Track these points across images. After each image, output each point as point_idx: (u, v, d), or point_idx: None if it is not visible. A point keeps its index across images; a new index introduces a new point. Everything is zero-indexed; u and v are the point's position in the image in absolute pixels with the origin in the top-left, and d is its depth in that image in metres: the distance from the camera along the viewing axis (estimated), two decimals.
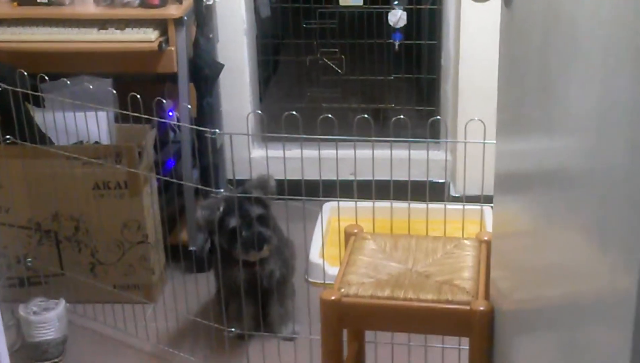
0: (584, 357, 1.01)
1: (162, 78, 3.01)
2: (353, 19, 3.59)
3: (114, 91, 2.63)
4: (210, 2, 2.98)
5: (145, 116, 2.32)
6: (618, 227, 0.86)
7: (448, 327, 1.81)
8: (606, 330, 0.90)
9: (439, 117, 3.12)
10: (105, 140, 2.71)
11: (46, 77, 2.45)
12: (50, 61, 2.80)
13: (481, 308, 1.73)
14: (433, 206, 2.23)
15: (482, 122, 2.06)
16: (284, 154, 2.19)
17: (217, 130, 2.38)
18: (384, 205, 2.22)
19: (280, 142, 2.24)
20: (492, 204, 1.82)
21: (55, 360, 2.50)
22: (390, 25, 3.43)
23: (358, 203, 2.21)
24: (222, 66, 3.03)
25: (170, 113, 3.04)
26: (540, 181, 1.27)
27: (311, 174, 2.29)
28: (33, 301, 2.51)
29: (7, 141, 2.63)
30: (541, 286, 1.27)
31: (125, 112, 2.40)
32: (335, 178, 2.21)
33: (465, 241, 1.99)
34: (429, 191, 2.21)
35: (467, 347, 1.81)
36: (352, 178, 2.18)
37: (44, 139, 2.66)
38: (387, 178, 2.17)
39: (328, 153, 2.26)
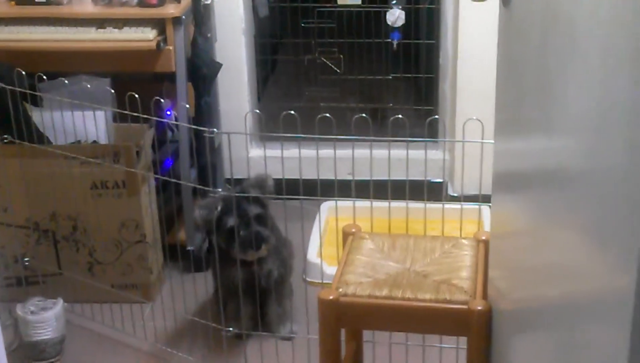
0: (582, 357, 1.01)
1: (160, 77, 3.01)
2: (351, 18, 3.59)
3: (112, 91, 2.63)
4: (209, 2, 2.98)
5: (143, 116, 2.32)
6: (616, 227, 0.86)
7: (446, 326, 1.81)
8: (604, 329, 0.90)
9: (437, 116, 3.12)
10: (103, 139, 2.71)
11: (44, 77, 2.45)
12: (48, 60, 2.79)
13: (479, 308, 1.73)
14: (431, 205, 2.23)
15: (480, 121, 2.06)
16: (282, 153, 2.19)
17: (215, 129, 2.38)
18: (382, 205, 2.22)
19: (278, 141, 2.23)
20: (490, 204, 1.82)
21: (53, 359, 2.50)
22: (388, 24, 3.43)
23: (356, 202, 2.21)
24: (220, 65, 3.03)
25: (169, 112, 3.03)
26: (539, 180, 1.27)
27: (309, 174, 2.29)
28: (31, 301, 2.51)
29: (5, 141, 2.63)
30: (539, 286, 1.27)
31: (123, 111, 2.39)
32: (333, 178, 2.21)
33: (463, 241, 1.99)
34: (427, 190, 2.21)
35: (465, 347, 1.81)
36: (350, 177, 2.18)
37: (41, 138, 2.66)
38: (385, 177, 2.17)
39: (326, 152, 2.26)
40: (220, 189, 2.57)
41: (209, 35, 3.01)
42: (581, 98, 1.01)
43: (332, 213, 2.68)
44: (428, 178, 2.22)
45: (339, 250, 2.05)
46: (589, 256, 0.97)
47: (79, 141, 2.67)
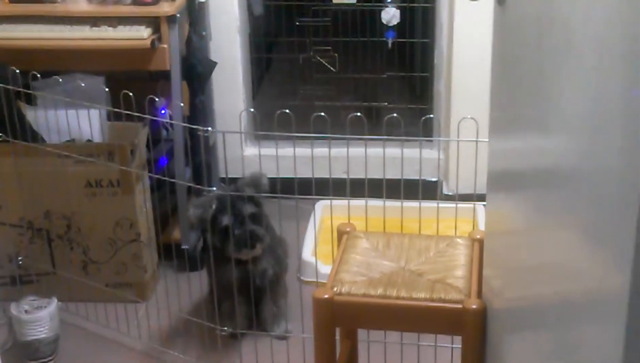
0: (576, 356, 1.02)
1: (155, 76, 3.01)
2: (346, 16, 3.59)
3: (107, 89, 2.63)
4: (203, 0, 2.97)
5: (138, 114, 2.31)
6: (611, 226, 0.86)
7: (441, 325, 1.82)
8: (599, 328, 0.90)
9: (431, 115, 3.12)
10: (97, 138, 2.70)
11: (38, 75, 2.44)
12: (42, 58, 2.79)
13: (474, 307, 1.73)
14: (426, 204, 2.23)
15: (474, 120, 2.06)
16: (277, 152, 2.19)
17: (209, 128, 2.38)
18: (377, 203, 2.22)
19: (273, 140, 2.23)
20: (484, 203, 1.82)
21: (48, 358, 2.49)
22: (383, 23, 3.43)
23: (351, 201, 2.21)
24: (215, 63, 3.02)
25: (163, 111, 3.03)
26: (534, 180, 1.27)
27: (304, 173, 2.29)
28: (25, 300, 2.51)
29: None
30: (534, 285, 1.27)
31: (117, 110, 2.39)
32: (328, 176, 2.20)
33: (458, 240, 1.99)
34: (422, 189, 2.21)
35: (460, 346, 1.81)
36: (345, 176, 2.18)
37: (36, 137, 2.65)
38: (380, 176, 2.17)
39: (321, 151, 2.26)
40: (215, 188, 2.56)
41: (203, 33, 3.00)
42: (576, 98, 1.01)
43: (327, 212, 2.67)
44: (423, 177, 2.22)
45: (334, 248, 2.05)
46: (584, 255, 0.98)
47: (73, 140, 2.66)
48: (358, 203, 2.22)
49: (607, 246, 0.88)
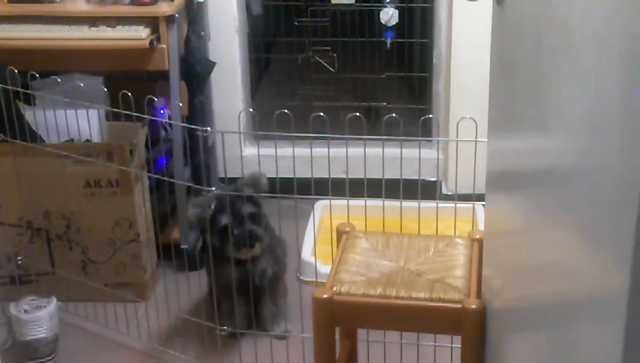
0: (575, 355, 1.02)
1: (154, 76, 3.01)
2: (345, 17, 3.59)
3: (105, 89, 2.63)
4: (202, 0, 2.97)
5: (137, 114, 2.31)
6: (610, 226, 0.86)
7: (440, 325, 1.82)
8: (598, 328, 0.90)
9: (430, 115, 3.13)
10: (96, 138, 2.70)
11: (37, 75, 2.44)
12: (41, 58, 2.79)
13: (473, 307, 1.73)
14: (425, 204, 2.23)
15: (473, 120, 2.07)
16: (276, 152, 2.19)
17: (208, 128, 2.38)
18: (376, 203, 2.22)
19: (272, 140, 2.23)
20: (484, 203, 1.82)
21: (47, 358, 2.49)
22: (382, 23, 3.43)
23: (350, 201, 2.21)
24: (214, 63, 3.02)
25: (162, 111, 3.03)
26: (533, 180, 1.27)
27: (303, 173, 2.29)
28: (24, 300, 2.50)
29: None
30: (533, 285, 1.27)
31: (116, 110, 2.39)
32: (327, 176, 2.20)
33: (457, 240, 1.99)
34: (421, 189, 2.21)
35: (460, 345, 1.81)
36: (344, 176, 2.18)
37: (34, 137, 2.65)
38: (379, 176, 2.17)
39: (320, 151, 2.26)
40: (214, 188, 2.56)
41: (202, 33, 3.00)
42: (574, 97, 1.01)
43: (326, 212, 2.68)
44: (422, 177, 2.22)
45: (333, 248, 2.05)
46: (583, 255, 0.98)
47: (72, 140, 2.66)
48: (357, 202, 2.22)
49: (606, 246, 0.88)
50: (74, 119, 2.52)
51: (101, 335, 2.64)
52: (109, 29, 2.72)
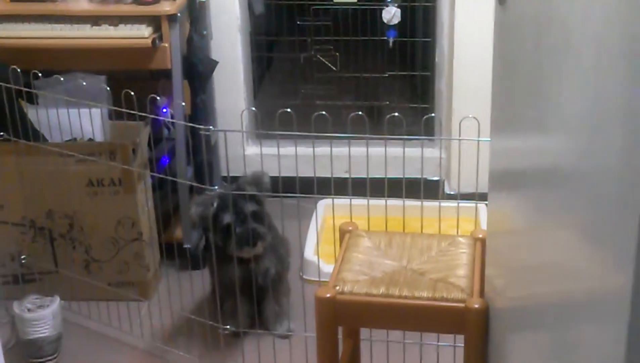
0: (578, 355, 1.02)
1: (156, 75, 3.01)
2: (347, 16, 3.59)
3: (108, 88, 2.63)
4: None
5: (139, 113, 2.31)
6: (612, 226, 0.86)
7: (443, 324, 1.82)
8: (601, 328, 0.90)
9: (433, 114, 3.12)
10: (99, 137, 2.71)
11: (39, 74, 2.44)
12: (44, 57, 2.79)
13: (476, 306, 1.73)
14: (428, 203, 2.23)
15: (476, 119, 2.06)
16: (279, 151, 2.19)
17: (211, 127, 2.38)
18: (379, 203, 2.22)
19: (275, 139, 2.23)
20: (486, 202, 1.82)
21: (50, 357, 2.49)
22: (384, 22, 3.43)
23: (353, 200, 2.21)
24: (216, 62, 3.02)
25: (164, 110, 3.03)
26: (535, 179, 1.27)
27: (306, 172, 2.29)
28: (27, 299, 2.51)
29: (1, 138, 2.63)
30: (536, 285, 1.27)
31: (119, 109, 2.39)
32: (329, 176, 2.21)
33: (460, 239, 1.99)
34: (424, 188, 2.21)
35: (462, 345, 1.81)
36: (346, 175, 2.18)
37: (37, 136, 2.65)
38: (382, 175, 2.17)
39: (322, 150, 2.26)
40: (216, 187, 2.56)
41: (204, 32, 3.00)
42: (575, 97, 1.01)
43: (328, 211, 2.68)
44: (424, 176, 2.22)
45: (336, 247, 2.05)
46: (586, 255, 0.98)
47: (74, 139, 2.66)
48: (360, 202, 2.22)
49: (607, 246, 0.88)
50: (76, 118, 2.52)
51: (104, 334, 2.65)
52: (112, 27, 2.72)
